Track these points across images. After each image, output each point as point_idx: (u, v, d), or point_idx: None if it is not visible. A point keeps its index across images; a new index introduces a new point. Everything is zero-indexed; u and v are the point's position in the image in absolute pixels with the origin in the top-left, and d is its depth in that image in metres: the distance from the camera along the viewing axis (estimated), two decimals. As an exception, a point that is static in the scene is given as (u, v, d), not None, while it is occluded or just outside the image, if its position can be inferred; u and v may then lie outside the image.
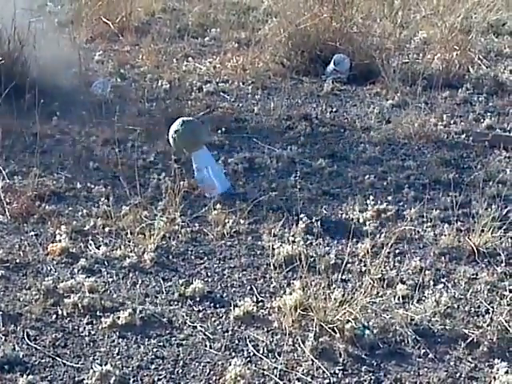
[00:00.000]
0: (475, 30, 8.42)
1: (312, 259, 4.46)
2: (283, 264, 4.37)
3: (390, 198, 5.26)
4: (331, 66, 7.42)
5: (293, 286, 4.20)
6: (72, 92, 6.76)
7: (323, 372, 3.67)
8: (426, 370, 3.72)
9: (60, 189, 5.18)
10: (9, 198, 4.97)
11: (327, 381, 3.63)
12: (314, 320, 3.92)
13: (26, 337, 3.79)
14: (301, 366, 3.71)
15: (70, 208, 4.98)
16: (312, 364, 3.71)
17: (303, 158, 5.79)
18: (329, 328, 3.87)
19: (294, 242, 4.62)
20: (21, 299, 4.07)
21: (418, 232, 4.85)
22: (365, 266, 4.41)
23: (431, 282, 4.34)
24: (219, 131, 6.11)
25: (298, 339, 3.86)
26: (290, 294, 4.11)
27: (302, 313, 3.98)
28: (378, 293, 4.11)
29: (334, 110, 6.75)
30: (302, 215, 4.90)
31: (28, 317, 3.94)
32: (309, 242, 4.71)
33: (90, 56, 7.69)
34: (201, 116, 6.44)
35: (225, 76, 7.42)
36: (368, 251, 4.37)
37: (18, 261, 4.40)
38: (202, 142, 5.33)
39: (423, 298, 4.18)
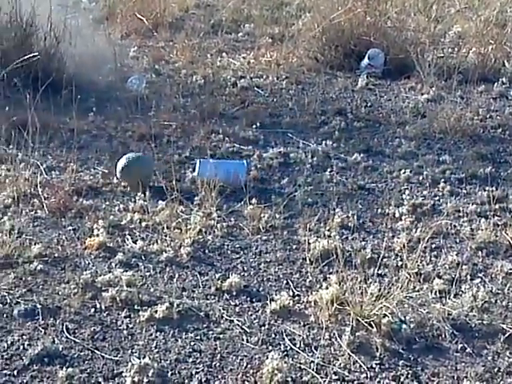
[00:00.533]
0: (510, 23, 8.35)
1: (348, 254, 4.46)
2: (319, 258, 4.38)
3: (425, 192, 5.25)
4: (365, 61, 7.41)
5: (329, 280, 4.21)
6: (108, 88, 6.83)
7: (360, 366, 3.67)
8: (463, 364, 3.71)
9: (97, 184, 5.22)
10: (47, 193, 5.02)
11: (364, 375, 3.62)
12: (350, 314, 3.92)
13: (65, 330, 3.83)
14: (337, 360, 3.71)
15: (107, 203, 5.01)
16: (349, 358, 3.71)
17: (338, 153, 5.79)
18: (365, 322, 3.87)
19: (329, 236, 4.63)
20: (59, 293, 4.11)
21: (455, 226, 4.83)
22: (401, 260, 4.40)
23: (468, 277, 4.32)
24: (254, 126, 6.12)
25: (334, 333, 3.86)
26: (327, 288, 4.11)
27: (338, 307, 3.98)
28: (414, 287, 4.10)
29: (369, 104, 6.74)
30: (337, 210, 4.91)
31: (67, 310, 3.97)
32: (344, 236, 4.71)
33: (124, 52, 7.76)
34: (235, 111, 6.47)
35: (259, 71, 7.44)
36: (404, 246, 4.36)
37: (56, 255, 4.44)
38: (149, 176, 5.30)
39: (460, 293, 4.16)
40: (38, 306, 3.97)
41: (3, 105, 5.76)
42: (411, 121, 6.37)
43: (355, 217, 4.87)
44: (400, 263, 4.39)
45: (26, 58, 5.79)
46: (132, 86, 6.84)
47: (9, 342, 3.72)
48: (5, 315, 3.91)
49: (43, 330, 3.82)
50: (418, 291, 4.10)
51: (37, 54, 6.03)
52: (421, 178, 5.44)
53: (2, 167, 5.28)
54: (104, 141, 5.90)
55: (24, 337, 3.76)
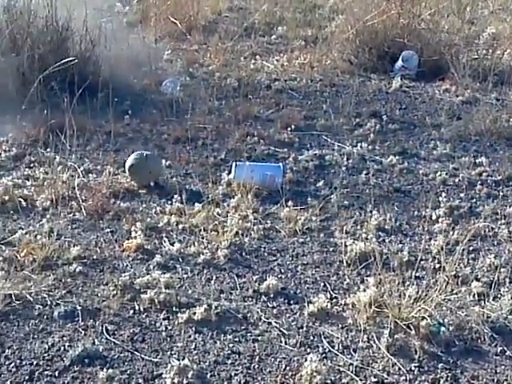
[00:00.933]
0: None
1: (385, 256, 4.45)
2: (356, 261, 4.37)
3: (462, 194, 5.23)
4: (399, 63, 7.40)
5: (366, 282, 4.21)
6: (143, 91, 6.89)
7: (399, 369, 3.66)
8: (503, 367, 3.69)
9: (134, 186, 5.25)
10: (84, 196, 5.06)
11: (403, 377, 3.62)
12: (388, 317, 3.91)
13: (104, 331, 3.85)
14: (376, 362, 3.70)
15: (144, 205, 5.04)
16: (387, 361, 3.70)
17: (373, 155, 5.79)
18: (404, 325, 3.87)
19: (366, 238, 4.63)
20: (99, 294, 4.14)
21: (492, 229, 4.80)
22: (439, 263, 4.39)
23: (507, 280, 4.30)
24: (288, 129, 6.13)
25: (372, 336, 3.86)
26: (364, 290, 4.12)
27: (376, 309, 3.97)
28: (452, 290, 4.08)
29: (403, 106, 6.73)
30: (373, 212, 4.91)
31: (106, 312, 4.00)
32: (381, 238, 4.71)
33: (158, 55, 7.80)
34: (270, 113, 6.48)
35: (292, 74, 7.45)
36: (442, 248, 4.34)
37: (95, 257, 4.47)
38: (158, 174, 5.35)
39: (499, 296, 4.14)
40: (78, 308, 4.00)
41: (41, 108, 5.83)
42: (446, 123, 6.35)
43: (392, 219, 4.86)
44: (438, 266, 4.37)
45: (63, 62, 5.82)
46: (167, 88, 6.88)
47: (49, 344, 3.75)
48: (45, 317, 3.94)
49: (83, 332, 3.85)
50: (457, 294, 4.08)
51: (74, 58, 6.07)
52: (457, 180, 5.43)
53: (41, 170, 5.33)
54: (140, 143, 5.92)
55: (64, 338, 3.79)
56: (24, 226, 4.71)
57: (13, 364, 3.60)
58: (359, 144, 5.92)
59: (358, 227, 4.81)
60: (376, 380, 3.59)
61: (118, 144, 5.84)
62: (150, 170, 5.28)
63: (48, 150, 5.52)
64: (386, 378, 3.61)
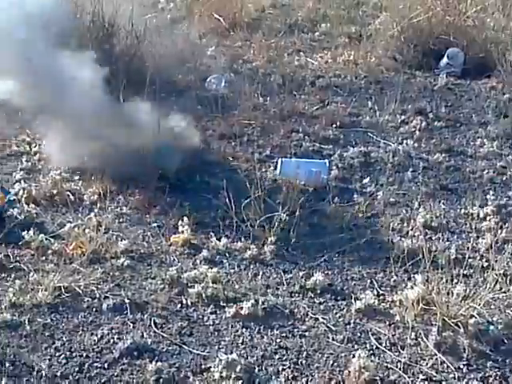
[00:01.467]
0: None
1: (432, 254, 4.42)
2: (403, 258, 4.35)
3: (510, 193, 5.20)
4: (445, 60, 7.34)
5: (414, 280, 4.19)
6: (187, 87, 6.89)
7: (447, 367, 3.65)
8: (553, 366, 3.66)
9: (180, 181, 5.27)
10: (131, 190, 5.09)
11: (452, 375, 3.60)
12: (436, 314, 3.90)
13: (153, 324, 3.88)
14: (424, 360, 3.69)
15: (190, 200, 5.06)
16: (436, 358, 3.69)
17: (419, 153, 5.76)
18: (452, 323, 3.85)
19: (413, 236, 4.61)
20: (146, 288, 4.17)
21: (541, 228, 4.77)
22: (487, 261, 4.36)
23: (556, 279, 4.26)
24: (334, 125, 6.13)
25: (420, 333, 3.85)
26: (412, 288, 4.10)
27: (424, 307, 3.96)
28: (501, 288, 4.06)
29: (449, 104, 6.68)
30: (420, 209, 4.89)
31: (154, 305, 4.03)
32: (428, 236, 4.68)
33: (202, 51, 7.81)
34: (314, 110, 6.47)
35: (337, 71, 7.42)
36: (491, 246, 4.31)
37: (142, 251, 4.50)
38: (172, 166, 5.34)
39: (548, 294, 4.11)
40: (126, 301, 4.03)
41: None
42: (493, 121, 6.30)
43: (439, 217, 4.84)
44: (486, 264, 4.35)
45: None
46: (211, 85, 6.89)
47: (99, 336, 3.79)
48: (94, 309, 3.98)
49: (132, 325, 3.88)
50: (505, 292, 4.06)
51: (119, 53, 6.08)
52: (504, 178, 5.40)
53: (89, 165, 5.36)
54: (185, 139, 5.92)
55: (113, 331, 3.83)
56: (72, 219, 4.75)
57: (63, 355, 3.65)
58: (405, 141, 5.89)
59: (405, 224, 4.79)
60: (424, 377, 3.59)
61: (163, 139, 5.84)
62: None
63: (95, 144, 5.55)
64: (435, 376, 3.60)
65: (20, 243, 4.48)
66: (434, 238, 4.67)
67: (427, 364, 3.67)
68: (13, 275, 4.21)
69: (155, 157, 5.21)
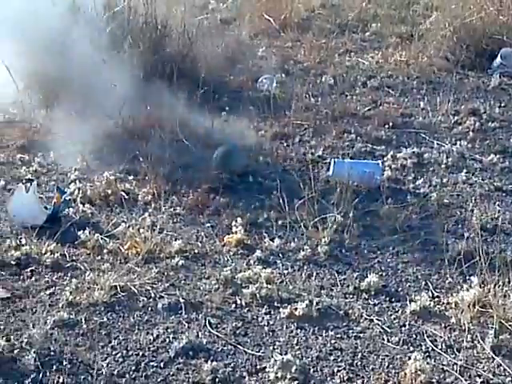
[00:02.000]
0: None
1: (487, 256, 4.37)
2: (458, 260, 4.32)
3: None
4: (498, 60, 7.28)
5: (469, 282, 4.16)
6: (239, 87, 6.92)
7: (504, 370, 3.61)
8: None
9: (232, 182, 5.29)
10: (184, 190, 5.12)
11: (509, 379, 3.56)
12: (493, 317, 3.86)
13: (207, 324, 3.90)
14: (481, 362, 3.66)
15: (243, 201, 5.07)
16: (492, 361, 3.66)
17: (473, 154, 5.71)
18: (509, 326, 3.81)
19: (468, 238, 4.57)
20: (201, 288, 4.19)
21: None
22: (545, 264, 4.30)
23: None
24: (386, 126, 6.11)
25: (477, 336, 3.82)
26: (467, 290, 4.07)
27: (480, 309, 3.93)
28: (559, 292, 4.01)
29: (503, 104, 6.62)
30: (475, 211, 4.84)
31: (208, 305, 4.04)
32: (483, 238, 4.63)
33: (253, 52, 7.84)
34: (366, 111, 6.45)
35: (388, 71, 7.40)
36: (551, 249, 4.27)
37: (196, 251, 4.52)
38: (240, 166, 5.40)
39: None
40: (181, 301, 4.06)
41: (140, 104, 5.91)
42: (548, 122, 6.23)
43: (494, 219, 4.80)
44: (543, 267, 4.29)
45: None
46: (263, 85, 6.91)
47: (154, 335, 3.81)
48: (149, 308, 4.01)
49: (187, 324, 3.90)
50: None
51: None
52: (561, 179, 5.33)
53: (142, 165, 5.40)
54: (237, 140, 5.95)
55: (169, 330, 3.85)
56: (127, 219, 4.80)
57: (119, 354, 3.68)
58: (458, 142, 5.85)
59: (459, 226, 4.76)
60: (481, 380, 3.55)
61: (216, 139, 5.88)
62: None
63: (148, 144, 5.59)
64: (492, 379, 3.56)
65: (76, 242, 4.54)
66: (489, 240, 4.62)
67: (484, 367, 3.63)
68: (69, 274, 4.26)
69: (224, 158, 5.24)
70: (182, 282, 4.25)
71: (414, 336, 3.84)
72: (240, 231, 4.64)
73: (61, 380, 3.49)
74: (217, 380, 3.53)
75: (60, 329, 3.82)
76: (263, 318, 3.97)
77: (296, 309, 3.98)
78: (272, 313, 4.00)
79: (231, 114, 6.30)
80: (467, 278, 4.23)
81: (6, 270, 4.30)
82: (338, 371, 3.62)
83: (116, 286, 4.11)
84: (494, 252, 4.44)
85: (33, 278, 4.23)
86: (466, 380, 3.54)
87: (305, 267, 4.39)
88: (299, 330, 3.88)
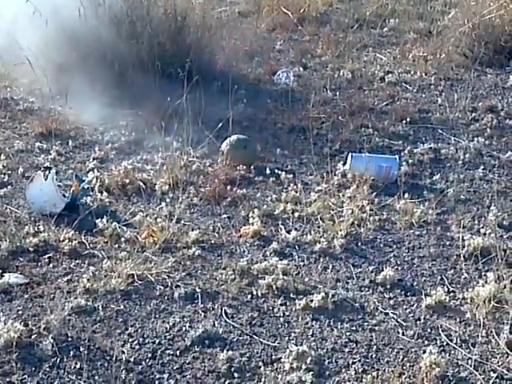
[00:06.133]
0: None
1: (504, 252, 4.38)
2: (474, 255, 4.33)
3: None
4: (516, 58, 7.27)
5: (485, 277, 4.16)
6: (256, 80, 6.94)
7: (519, 366, 3.62)
8: None
9: (250, 174, 5.31)
10: (202, 182, 5.15)
11: (523, 374, 3.58)
12: (508, 313, 3.87)
13: (223, 314, 3.92)
14: (495, 358, 3.66)
15: (260, 193, 5.09)
16: (507, 357, 3.66)
17: (491, 151, 5.71)
18: (524, 321, 3.82)
19: (484, 234, 4.57)
20: (217, 278, 4.20)
21: None
22: (561, 262, 4.31)
23: None
24: (403, 121, 6.11)
25: (492, 331, 3.82)
26: (483, 285, 4.07)
27: (495, 305, 3.93)
28: None
29: (521, 102, 6.62)
30: (491, 207, 4.84)
31: (225, 295, 4.06)
32: (499, 234, 4.64)
33: (271, 45, 7.85)
34: (384, 106, 6.46)
35: (406, 66, 7.41)
36: None
37: (212, 241, 4.54)
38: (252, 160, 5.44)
39: None
40: (198, 290, 4.07)
41: (159, 96, 5.94)
42: None
43: (510, 215, 4.79)
44: (560, 265, 4.30)
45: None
46: (280, 79, 6.92)
47: (171, 323, 3.83)
48: (166, 297, 4.03)
49: (203, 314, 3.92)
50: None
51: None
52: None
53: (159, 155, 5.43)
54: (255, 132, 5.96)
55: (185, 319, 3.87)
56: (144, 208, 4.82)
57: (136, 342, 3.70)
58: (476, 139, 5.85)
59: (476, 222, 4.76)
60: (495, 375, 3.55)
61: (234, 132, 5.88)
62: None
63: (166, 135, 5.60)
64: (506, 374, 3.56)
65: (94, 231, 4.56)
66: (505, 237, 4.62)
67: (498, 362, 3.63)
68: (87, 262, 4.29)
69: (238, 150, 5.27)
70: (199, 271, 4.27)
71: (429, 330, 3.85)
72: (257, 223, 4.65)
73: (78, 366, 3.52)
74: (232, 369, 3.55)
75: (77, 315, 3.85)
76: (279, 308, 3.99)
77: (312, 300, 4.00)
78: (288, 304, 4.02)
79: (248, 107, 6.31)
80: (483, 273, 4.24)
81: (25, 257, 4.33)
82: (353, 363, 3.63)
83: (133, 275, 4.13)
84: (510, 248, 4.44)
85: (50, 265, 4.26)
86: (480, 375, 3.55)
87: (321, 259, 4.40)
88: (314, 322, 3.89)
